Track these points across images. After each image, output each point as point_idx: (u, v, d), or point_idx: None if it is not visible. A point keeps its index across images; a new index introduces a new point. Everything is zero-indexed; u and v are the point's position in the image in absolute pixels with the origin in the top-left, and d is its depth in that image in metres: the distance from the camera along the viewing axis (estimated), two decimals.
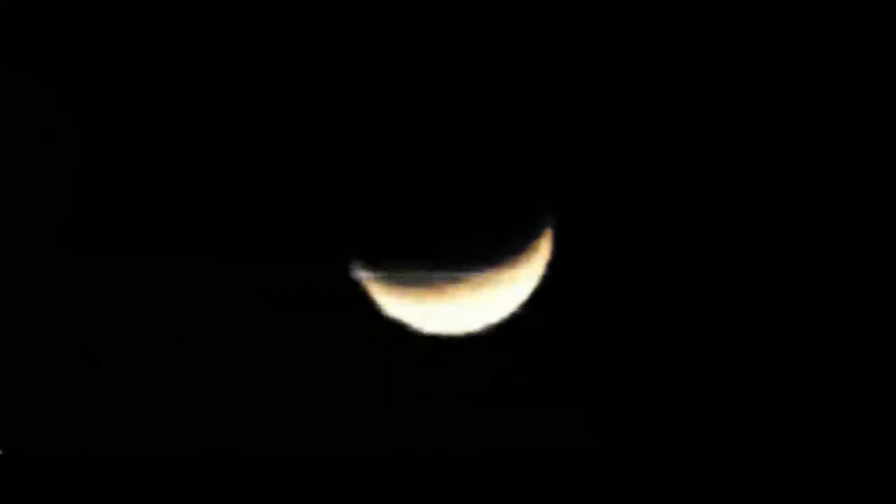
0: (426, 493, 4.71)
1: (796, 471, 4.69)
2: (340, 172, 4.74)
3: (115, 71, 4.81)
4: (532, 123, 4.73)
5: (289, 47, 4.77)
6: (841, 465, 4.68)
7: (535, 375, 4.77)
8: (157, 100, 4.81)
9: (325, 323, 4.76)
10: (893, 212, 4.77)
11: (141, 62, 4.80)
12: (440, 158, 4.62)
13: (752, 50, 4.75)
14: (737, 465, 4.70)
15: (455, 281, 4.55)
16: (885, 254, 4.76)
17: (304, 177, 4.79)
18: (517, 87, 4.73)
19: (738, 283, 4.76)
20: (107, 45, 4.80)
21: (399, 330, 4.73)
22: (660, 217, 4.77)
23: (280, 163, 4.80)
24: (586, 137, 4.75)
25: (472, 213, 4.56)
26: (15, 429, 4.77)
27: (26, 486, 4.73)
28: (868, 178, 4.79)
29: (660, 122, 4.77)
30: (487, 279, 4.59)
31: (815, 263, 4.77)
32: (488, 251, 4.58)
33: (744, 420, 4.72)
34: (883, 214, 4.78)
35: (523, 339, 4.75)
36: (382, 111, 4.71)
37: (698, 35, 4.76)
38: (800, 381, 4.73)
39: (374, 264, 4.66)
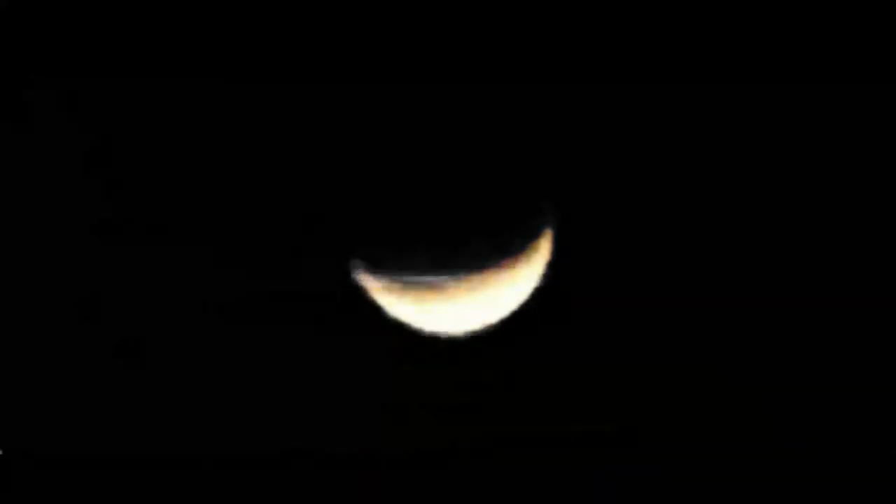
0: (426, 493, 4.71)
1: (797, 471, 4.69)
2: (341, 173, 4.74)
3: (115, 71, 4.81)
4: (532, 124, 4.73)
5: (289, 50, 4.77)
6: (841, 465, 4.68)
7: (535, 375, 4.77)
8: (157, 99, 4.81)
9: (325, 323, 4.76)
10: (893, 211, 4.79)
11: (140, 61, 4.81)
12: (440, 159, 4.62)
13: (750, 54, 4.76)
14: (737, 464, 4.70)
15: (455, 281, 4.55)
16: (885, 253, 4.77)
17: (304, 178, 4.79)
18: (517, 88, 4.73)
19: (738, 282, 4.76)
20: (105, 45, 4.80)
21: (399, 330, 4.73)
22: (660, 217, 4.77)
23: (280, 164, 4.80)
24: (586, 138, 4.75)
25: (473, 213, 4.56)
26: (15, 429, 4.76)
27: (26, 486, 4.73)
28: (868, 177, 4.80)
29: (660, 123, 4.78)
30: (487, 279, 4.59)
31: (820, 269, 4.77)
32: (488, 251, 4.58)
33: (744, 420, 4.72)
34: (883, 213, 4.78)
35: (523, 339, 4.75)
36: (383, 113, 4.71)
37: (698, 36, 4.76)
38: (800, 382, 4.74)
39: (374, 264, 4.67)
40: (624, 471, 4.71)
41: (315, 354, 4.76)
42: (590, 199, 4.76)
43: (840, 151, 4.80)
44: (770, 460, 4.70)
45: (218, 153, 4.81)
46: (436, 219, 4.53)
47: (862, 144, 4.80)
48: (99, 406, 4.79)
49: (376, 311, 4.73)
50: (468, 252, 4.54)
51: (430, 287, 4.57)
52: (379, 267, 4.65)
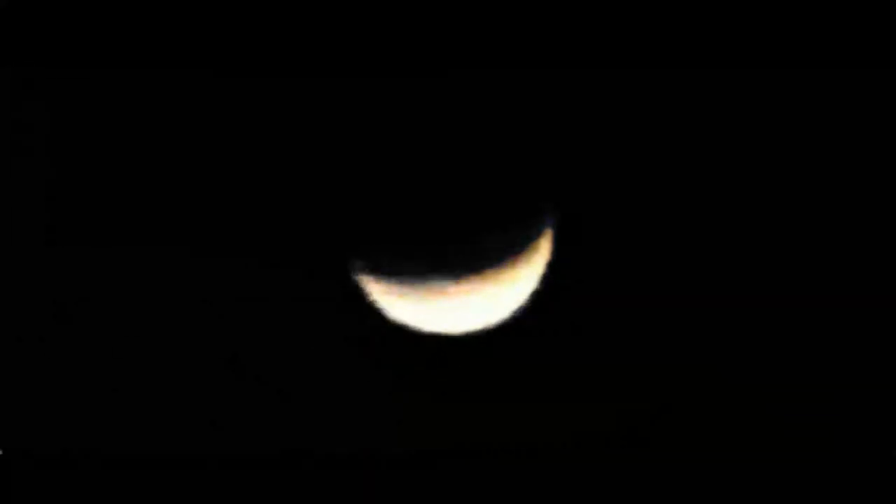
0: (426, 493, 4.72)
1: (797, 471, 4.70)
2: (341, 173, 4.73)
3: (114, 70, 4.80)
4: (532, 123, 4.73)
5: (288, 47, 4.77)
6: (842, 467, 4.69)
7: (534, 375, 4.77)
8: (157, 99, 4.81)
9: (326, 323, 4.76)
10: (893, 211, 4.79)
11: (139, 61, 4.80)
12: (440, 158, 4.62)
13: (752, 50, 4.75)
14: (737, 465, 4.70)
15: (455, 281, 4.55)
16: (885, 252, 4.77)
17: (303, 177, 4.78)
18: (517, 87, 4.73)
19: (739, 282, 4.76)
20: (105, 44, 4.80)
21: (399, 330, 4.73)
22: (660, 217, 4.77)
23: (280, 163, 4.80)
24: (586, 138, 4.75)
25: (473, 213, 4.56)
26: (15, 429, 4.76)
27: (26, 486, 4.73)
28: (868, 176, 4.80)
29: (660, 122, 4.77)
30: (487, 279, 4.59)
31: (820, 269, 4.77)
32: (488, 251, 4.58)
33: (744, 420, 4.72)
34: (883, 212, 4.78)
35: (523, 339, 4.75)
36: (382, 111, 4.71)
37: (698, 35, 4.76)
38: (800, 382, 4.74)
39: (374, 265, 4.66)
40: (624, 471, 4.71)
41: (315, 355, 4.76)
42: (590, 199, 4.76)
43: (840, 153, 4.80)
44: (770, 460, 4.70)
45: (218, 153, 4.81)
46: (436, 219, 4.53)
47: (863, 146, 4.80)
48: (99, 406, 4.79)
49: (377, 311, 4.73)
50: (468, 252, 4.54)
51: (431, 288, 4.57)
52: (379, 268, 4.65)
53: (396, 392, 4.75)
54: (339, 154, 4.75)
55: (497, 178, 4.64)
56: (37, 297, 4.81)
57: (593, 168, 4.77)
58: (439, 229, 4.54)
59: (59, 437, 4.76)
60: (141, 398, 4.78)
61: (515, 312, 4.73)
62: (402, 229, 4.57)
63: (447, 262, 4.54)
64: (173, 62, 4.79)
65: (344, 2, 4.74)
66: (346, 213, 4.71)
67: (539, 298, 4.74)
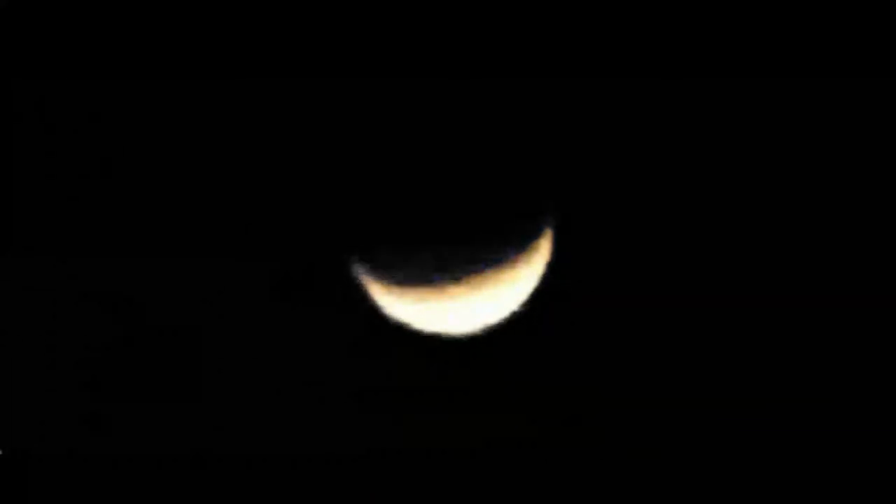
0: (426, 493, 4.72)
1: (797, 471, 4.70)
2: (340, 172, 4.73)
3: (114, 70, 4.81)
4: (532, 124, 4.73)
5: (288, 47, 4.77)
6: (841, 465, 4.69)
7: (535, 375, 4.77)
8: (157, 99, 4.81)
9: (325, 323, 4.76)
10: (893, 211, 4.79)
11: (138, 60, 4.80)
12: (440, 158, 4.62)
13: (750, 55, 4.76)
14: (737, 465, 4.70)
15: (455, 281, 4.55)
16: (885, 251, 4.77)
17: (303, 176, 4.78)
18: (517, 88, 4.73)
19: (739, 282, 4.76)
20: (105, 44, 4.80)
21: (399, 330, 4.73)
22: (660, 217, 4.78)
23: (279, 162, 4.80)
24: (586, 138, 4.75)
25: (473, 212, 4.56)
26: (15, 429, 4.76)
27: (26, 486, 4.73)
28: (869, 177, 4.80)
29: (660, 123, 4.78)
30: (487, 279, 4.59)
31: (820, 269, 4.77)
32: (488, 251, 4.58)
33: (744, 420, 4.72)
34: (883, 211, 4.79)
35: (523, 339, 4.75)
36: (382, 111, 4.71)
37: (697, 37, 4.76)
38: (800, 382, 4.74)
39: (374, 265, 4.66)
40: (624, 471, 4.71)
41: (315, 354, 4.76)
42: (590, 199, 4.77)
43: (840, 153, 4.80)
44: (770, 460, 4.70)
45: (218, 153, 4.81)
46: (436, 219, 4.53)
47: (863, 146, 4.81)
48: (99, 406, 4.78)
49: (376, 311, 4.73)
50: (468, 252, 4.54)
51: (431, 287, 4.57)
52: (379, 267, 4.65)
53: (396, 392, 4.74)
54: (340, 154, 4.75)
55: (497, 178, 4.64)
56: (33, 297, 4.82)
57: (593, 169, 4.77)
58: (439, 229, 4.54)
59: (59, 437, 4.76)
60: (141, 398, 4.78)
61: (515, 312, 4.73)
62: (403, 229, 4.57)
63: (447, 262, 4.54)
64: (173, 62, 4.79)
65: (344, 2, 4.74)
66: (346, 213, 4.71)
67: (539, 298, 4.74)
